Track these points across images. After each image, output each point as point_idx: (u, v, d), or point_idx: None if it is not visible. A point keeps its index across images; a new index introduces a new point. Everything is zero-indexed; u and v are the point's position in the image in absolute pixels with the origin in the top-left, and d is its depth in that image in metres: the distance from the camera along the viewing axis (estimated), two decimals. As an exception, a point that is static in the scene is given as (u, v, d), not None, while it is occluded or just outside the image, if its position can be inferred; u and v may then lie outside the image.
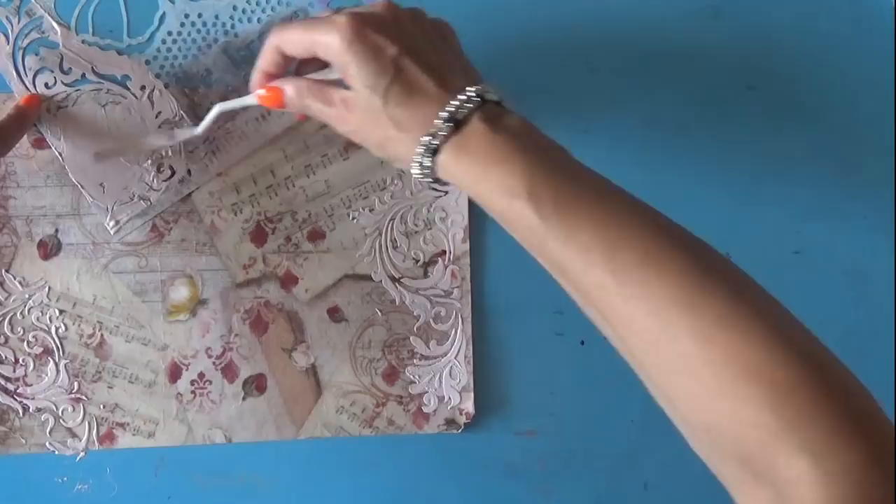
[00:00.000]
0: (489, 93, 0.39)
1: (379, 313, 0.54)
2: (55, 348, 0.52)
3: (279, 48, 0.43)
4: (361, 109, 0.41)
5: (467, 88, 0.39)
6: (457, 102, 0.39)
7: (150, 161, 0.51)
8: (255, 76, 0.45)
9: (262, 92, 0.44)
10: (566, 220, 0.36)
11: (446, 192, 0.53)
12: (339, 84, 0.42)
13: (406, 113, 0.39)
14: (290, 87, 0.43)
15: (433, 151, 0.39)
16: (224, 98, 0.51)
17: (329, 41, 0.40)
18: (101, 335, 0.52)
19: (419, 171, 0.40)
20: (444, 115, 0.38)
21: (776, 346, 0.32)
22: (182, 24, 0.51)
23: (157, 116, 0.51)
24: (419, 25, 0.42)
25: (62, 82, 0.50)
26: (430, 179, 0.40)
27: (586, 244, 0.36)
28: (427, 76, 0.40)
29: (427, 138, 0.39)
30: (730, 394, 0.32)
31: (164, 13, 0.51)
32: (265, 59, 0.44)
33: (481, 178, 0.38)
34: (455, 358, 0.54)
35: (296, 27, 0.42)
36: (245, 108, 0.48)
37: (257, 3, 0.52)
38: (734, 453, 0.33)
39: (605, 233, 0.36)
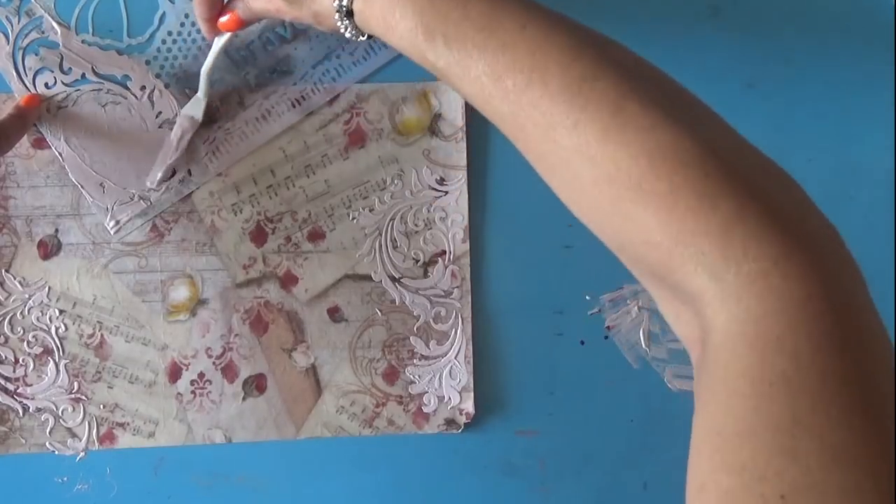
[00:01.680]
0: None
1: (379, 313, 0.54)
2: (55, 348, 0.52)
3: None
4: None
5: None
6: None
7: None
8: (204, 27, 0.47)
9: (223, 20, 0.46)
10: (458, 56, 0.36)
11: (446, 193, 0.53)
12: None
13: None
14: (238, 4, 0.45)
15: (348, 13, 0.40)
16: (224, 98, 0.52)
17: None
18: (101, 335, 0.52)
19: (340, 24, 0.41)
20: None
21: (660, 153, 0.30)
22: (182, 24, 0.51)
23: (157, 116, 0.51)
24: None
25: (62, 82, 0.50)
26: (362, 37, 0.41)
27: (478, 77, 0.35)
28: None
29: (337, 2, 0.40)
30: (620, 213, 0.31)
31: (164, 13, 0.51)
32: (200, 7, 0.46)
33: (389, 25, 0.38)
34: (455, 358, 0.54)
35: None
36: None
37: (257, 3, 0.52)
38: (645, 271, 0.32)
39: (492, 60, 0.35)
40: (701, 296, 0.28)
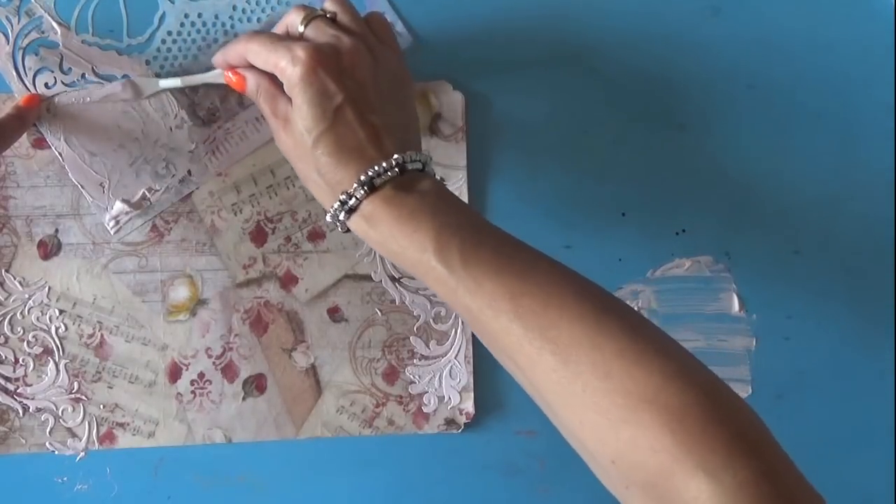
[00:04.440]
0: (413, 162, 0.42)
1: (379, 313, 0.54)
2: (55, 348, 0.52)
3: (244, 55, 0.45)
4: (294, 140, 0.43)
5: (394, 156, 0.41)
6: (379, 168, 0.41)
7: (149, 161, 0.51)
8: (219, 57, 0.47)
9: (230, 75, 0.46)
10: (472, 271, 0.39)
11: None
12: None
13: (330, 164, 0.41)
14: (252, 81, 0.45)
15: (349, 210, 0.41)
16: (224, 98, 0.52)
17: (285, 68, 0.42)
18: (101, 335, 0.52)
19: (332, 221, 0.42)
20: (363, 178, 0.41)
21: (670, 375, 0.35)
22: (182, 24, 0.51)
23: (157, 116, 0.51)
24: (380, 70, 0.43)
25: (62, 82, 0.50)
26: (343, 230, 0.43)
27: (492, 293, 0.38)
28: (363, 133, 0.41)
29: (343, 196, 0.41)
30: (630, 421, 0.35)
31: (164, 13, 0.51)
32: (231, 54, 0.46)
33: (392, 237, 0.41)
34: (455, 358, 0.54)
35: (263, 42, 0.44)
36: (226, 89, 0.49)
37: (257, 3, 0.52)
38: (638, 480, 0.35)
39: (509, 282, 0.38)
40: (696, 497, 0.33)
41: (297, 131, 0.42)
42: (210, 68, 0.50)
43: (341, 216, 0.42)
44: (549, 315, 0.37)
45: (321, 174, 0.42)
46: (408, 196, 0.41)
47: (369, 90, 0.42)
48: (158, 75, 0.51)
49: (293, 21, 0.45)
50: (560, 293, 0.38)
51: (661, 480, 0.34)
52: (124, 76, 0.50)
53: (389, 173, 0.41)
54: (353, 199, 0.41)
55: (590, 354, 0.36)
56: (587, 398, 0.36)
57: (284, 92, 0.44)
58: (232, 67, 0.46)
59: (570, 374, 0.36)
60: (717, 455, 0.33)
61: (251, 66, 0.45)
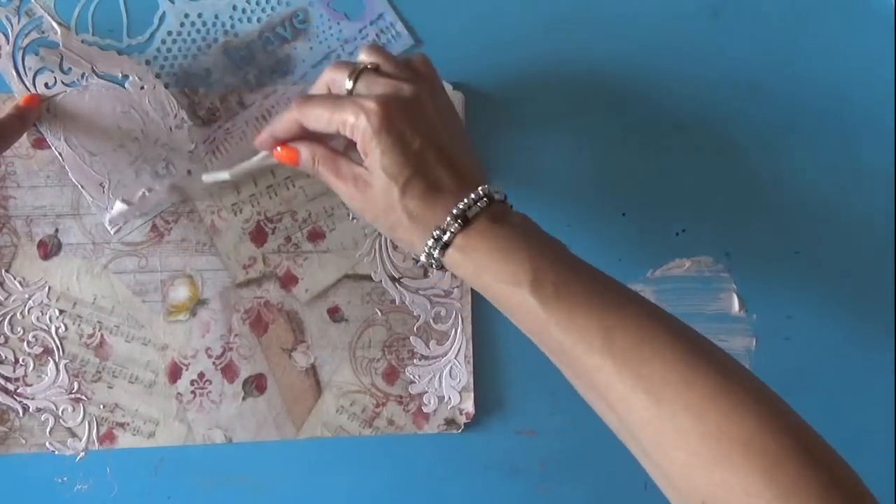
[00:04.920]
0: (497, 192, 0.42)
1: (379, 313, 0.54)
2: (55, 348, 0.52)
3: (299, 121, 0.44)
4: (376, 193, 0.42)
5: (480, 188, 0.41)
6: (468, 201, 0.41)
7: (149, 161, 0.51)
8: (266, 136, 0.46)
9: (278, 150, 0.45)
10: (566, 306, 0.39)
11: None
12: (350, 154, 0.43)
13: (421, 206, 0.41)
14: (305, 151, 0.45)
15: (444, 245, 0.41)
16: (223, 98, 0.52)
17: (357, 124, 0.41)
18: (101, 335, 0.52)
19: (426, 260, 0.42)
20: (456, 212, 0.41)
21: (765, 419, 0.35)
22: (182, 24, 0.51)
23: (157, 116, 0.51)
24: (438, 109, 0.43)
25: (62, 82, 0.50)
26: (437, 267, 0.42)
27: (585, 328, 0.38)
28: (444, 171, 0.42)
29: (438, 232, 0.41)
30: (725, 464, 0.34)
31: (164, 13, 0.51)
32: (282, 127, 0.45)
33: (486, 268, 0.40)
34: (455, 358, 0.54)
35: (321, 103, 0.43)
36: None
37: (257, 3, 0.52)
38: None
39: (602, 319, 0.38)
40: None
41: (380, 183, 0.42)
42: (210, 71, 0.49)
43: (436, 253, 0.41)
44: (643, 353, 0.37)
45: (412, 218, 0.42)
46: (501, 228, 0.41)
47: (439, 130, 0.43)
48: (158, 76, 0.51)
49: (337, 79, 0.43)
50: (653, 331, 0.38)
51: None
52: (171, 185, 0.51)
53: (479, 204, 0.41)
54: (448, 234, 0.41)
55: (684, 395, 0.36)
56: (679, 439, 0.36)
57: (341, 154, 0.44)
58: (280, 143, 0.45)
59: (663, 413, 0.36)
60: (812, 502, 0.33)
61: (301, 137, 0.45)
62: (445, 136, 0.43)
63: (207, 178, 0.50)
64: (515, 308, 0.40)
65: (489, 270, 0.40)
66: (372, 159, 0.42)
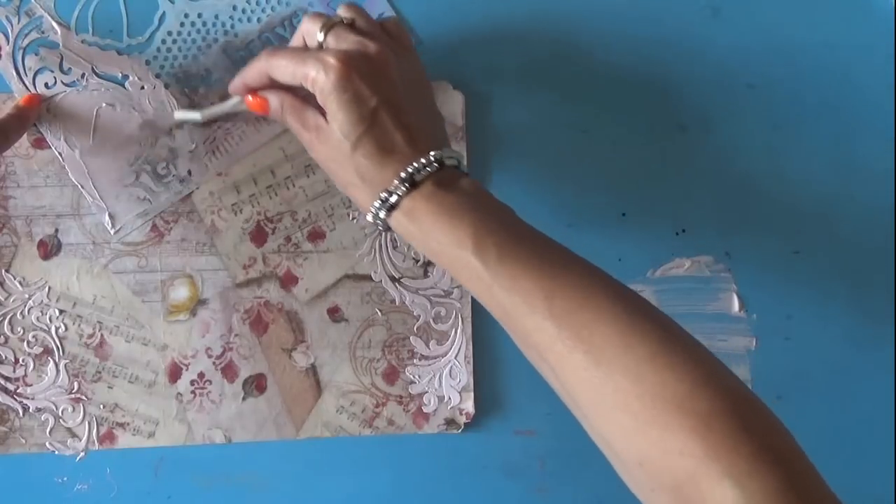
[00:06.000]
0: (449, 158, 0.42)
1: (379, 313, 0.54)
2: (55, 348, 0.52)
3: (267, 72, 0.44)
4: (331, 147, 0.43)
5: (431, 152, 0.42)
6: (417, 165, 0.41)
7: (149, 161, 0.51)
8: (238, 83, 0.46)
9: (249, 98, 0.46)
10: (509, 269, 0.39)
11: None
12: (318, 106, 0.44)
13: (370, 166, 0.42)
14: (274, 100, 0.45)
15: (389, 207, 0.42)
16: (224, 98, 0.52)
17: (317, 78, 0.42)
18: (101, 335, 0.52)
19: (373, 221, 0.43)
20: (404, 175, 0.41)
21: (701, 381, 0.36)
22: (182, 24, 0.51)
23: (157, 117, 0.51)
24: (404, 71, 0.44)
25: (62, 82, 0.50)
26: (382, 228, 0.43)
27: (527, 291, 0.39)
28: (399, 133, 0.42)
29: (384, 194, 0.42)
30: (660, 424, 0.35)
31: (164, 13, 0.51)
32: (251, 75, 0.45)
33: (431, 232, 0.41)
34: (455, 358, 0.54)
35: (287, 55, 0.43)
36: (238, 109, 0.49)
37: (257, 3, 0.52)
38: (665, 484, 0.35)
39: (544, 281, 0.39)
40: (722, 503, 0.34)
41: (335, 138, 0.42)
42: (210, 71, 0.49)
43: (382, 214, 0.42)
44: (583, 315, 0.38)
45: (361, 176, 0.42)
46: (448, 193, 0.41)
47: (400, 92, 0.43)
48: (158, 76, 0.51)
49: (310, 30, 0.44)
50: (594, 294, 0.38)
51: (687, 485, 0.34)
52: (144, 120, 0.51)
53: (429, 169, 0.42)
54: (395, 196, 0.41)
55: (622, 357, 0.36)
56: (618, 400, 0.36)
57: (310, 104, 0.44)
58: (251, 91, 0.46)
59: (601, 375, 0.37)
60: (744, 462, 0.34)
61: (271, 86, 0.45)
62: (406, 99, 0.43)
63: (179, 115, 0.50)
64: (461, 271, 0.41)
65: (434, 234, 0.41)
66: (329, 115, 0.42)
